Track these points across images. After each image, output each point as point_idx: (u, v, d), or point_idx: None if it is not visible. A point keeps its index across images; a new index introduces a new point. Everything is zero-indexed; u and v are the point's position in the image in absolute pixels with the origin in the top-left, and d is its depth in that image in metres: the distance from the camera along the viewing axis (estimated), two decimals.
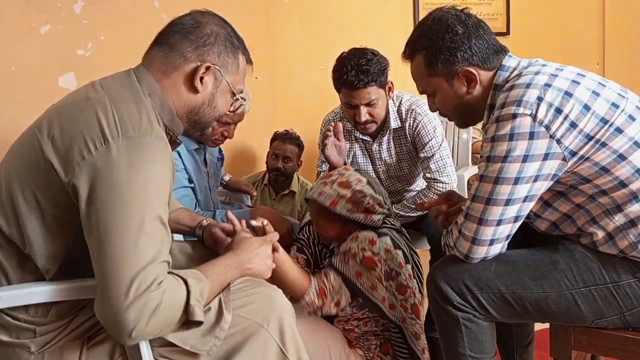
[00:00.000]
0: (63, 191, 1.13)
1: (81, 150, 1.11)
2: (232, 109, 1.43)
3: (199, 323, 1.15)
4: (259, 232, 1.56)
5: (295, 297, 1.66)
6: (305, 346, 1.38)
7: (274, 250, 1.48)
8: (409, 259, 1.75)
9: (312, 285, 1.69)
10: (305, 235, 1.99)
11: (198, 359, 1.24)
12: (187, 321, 1.14)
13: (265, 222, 1.57)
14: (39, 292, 1.17)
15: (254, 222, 1.54)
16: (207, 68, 1.27)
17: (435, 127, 2.25)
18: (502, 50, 1.44)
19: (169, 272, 1.12)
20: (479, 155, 3.46)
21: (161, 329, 1.10)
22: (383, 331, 1.79)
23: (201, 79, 1.27)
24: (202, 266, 1.25)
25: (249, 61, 1.39)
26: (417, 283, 1.76)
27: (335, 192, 1.80)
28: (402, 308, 1.70)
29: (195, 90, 1.28)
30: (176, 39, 1.27)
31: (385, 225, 1.82)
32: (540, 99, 1.26)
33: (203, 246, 1.64)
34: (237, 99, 1.38)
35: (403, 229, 1.91)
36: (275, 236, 1.49)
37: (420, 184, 2.46)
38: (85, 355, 1.21)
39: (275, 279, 1.57)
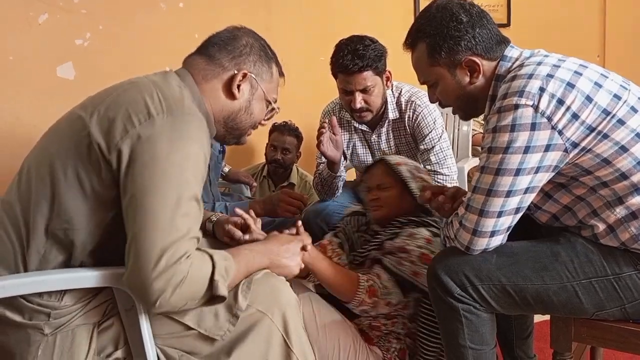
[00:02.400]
0: (105, 166, 1.17)
1: (125, 124, 1.16)
2: (266, 117, 1.48)
3: (223, 298, 1.17)
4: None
5: (346, 299, 1.63)
6: (314, 338, 1.39)
7: (303, 249, 1.49)
8: None
9: (362, 284, 1.64)
10: (345, 223, 1.96)
11: (202, 347, 1.26)
12: (212, 297, 1.17)
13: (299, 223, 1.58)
14: (57, 280, 1.20)
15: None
16: (244, 75, 1.35)
17: (435, 119, 2.24)
18: (504, 41, 1.43)
19: (197, 249, 1.15)
20: (479, 148, 3.46)
21: (186, 301, 1.13)
22: (405, 335, 1.75)
23: (238, 86, 1.35)
24: (228, 249, 1.28)
25: (281, 74, 1.47)
26: None
27: (401, 159, 1.85)
28: None
29: (232, 96, 1.36)
30: (215, 50, 1.37)
31: (437, 225, 1.80)
32: (542, 90, 1.25)
33: (208, 238, 1.66)
34: (272, 108, 1.46)
35: None
36: (307, 238, 1.51)
37: None
38: (95, 338, 1.24)
39: (323, 284, 1.59)
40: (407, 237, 1.71)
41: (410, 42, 1.49)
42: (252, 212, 1.59)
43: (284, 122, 3.01)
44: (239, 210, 1.61)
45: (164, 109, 1.18)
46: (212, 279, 1.15)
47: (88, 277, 1.20)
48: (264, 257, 1.34)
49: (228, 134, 1.43)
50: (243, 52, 1.37)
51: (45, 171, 1.21)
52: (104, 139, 1.17)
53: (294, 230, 1.56)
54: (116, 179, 1.16)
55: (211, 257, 1.16)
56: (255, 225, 1.55)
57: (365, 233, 1.91)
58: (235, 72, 1.35)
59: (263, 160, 3.14)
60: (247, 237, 1.52)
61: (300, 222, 1.59)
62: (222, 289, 1.16)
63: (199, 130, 1.20)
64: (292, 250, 1.42)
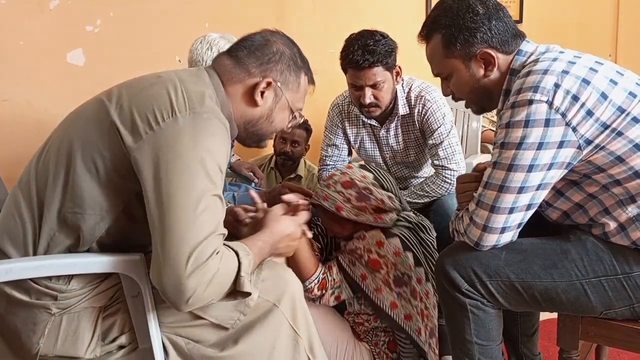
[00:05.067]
0: (124, 158, 1.16)
1: (149, 120, 1.16)
2: (289, 125, 1.46)
3: (246, 294, 1.17)
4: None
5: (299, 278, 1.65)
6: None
7: (302, 233, 1.48)
8: (420, 260, 1.70)
9: (317, 273, 1.67)
10: (321, 222, 1.95)
11: (210, 335, 1.27)
12: (234, 291, 1.17)
13: (299, 201, 1.53)
14: (65, 264, 1.20)
15: (286, 197, 1.50)
16: (269, 84, 1.33)
17: (444, 114, 2.23)
18: (520, 35, 1.41)
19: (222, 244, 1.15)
20: (487, 144, 3.43)
21: (214, 297, 1.13)
22: (392, 327, 1.76)
23: (262, 93, 1.33)
24: (244, 241, 1.28)
25: (311, 81, 1.46)
26: (431, 286, 1.71)
27: (339, 194, 1.73)
28: (418, 315, 1.66)
29: (254, 103, 1.34)
30: (244, 54, 1.34)
31: (399, 222, 1.77)
32: (557, 86, 1.23)
33: None
34: (295, 117, 1.43)
35: (422, 223, 1.84)
36: (305, 218, 1.48)
37: (427, 171, 2.45)
38: (99, 323, 1.24)
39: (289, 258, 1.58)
40: (358, 239, 1.72)
41: (426, 33, 1.47)
42: (257, 197, 1.59)
43: None
44: (252, 192, 1.61)
45: (187, 107, 1.17)
46: (237, 276, 1.15)
47: (96, 263, 1.20)
48: (270, 247, 1.34)
49: (248, 138, 1.42)
50: (272, 59, 1.34)
51: (63, 153, 1.21)
52: (127, 131, 1.16)
53: (293, 199, 1.52)
54: (132, 172, 1.16)
55: (236, 253, 1.16)
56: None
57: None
58: (260, 79, 1.33)
59: (271, 151, 3.13)
60: (250, 215, 1.53)
61: (299, 200, 1.53)
62: (247, 286, 1.16)
63: (220, 128, 1.20)
64: (293, 237, 1.41)
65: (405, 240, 1.70)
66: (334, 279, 1.69)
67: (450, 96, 1.51)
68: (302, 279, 1.64)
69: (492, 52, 1.38)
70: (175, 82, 1.22)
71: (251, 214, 1.53)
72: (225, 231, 1.16)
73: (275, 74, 1.34)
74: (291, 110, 1.41)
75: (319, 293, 1.67)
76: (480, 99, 1.46)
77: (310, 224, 1.96)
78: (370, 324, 1.77)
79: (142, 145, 1.14)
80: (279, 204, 1.45)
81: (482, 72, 1.41)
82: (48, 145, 1.27)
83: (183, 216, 1.09)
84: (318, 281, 1.66)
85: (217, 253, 1.10)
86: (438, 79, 1.52)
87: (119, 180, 1.18)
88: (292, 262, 1.62)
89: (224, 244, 1.16)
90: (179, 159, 1.12)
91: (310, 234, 1.52)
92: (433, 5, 1.53)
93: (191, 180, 1.11)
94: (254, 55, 1.33)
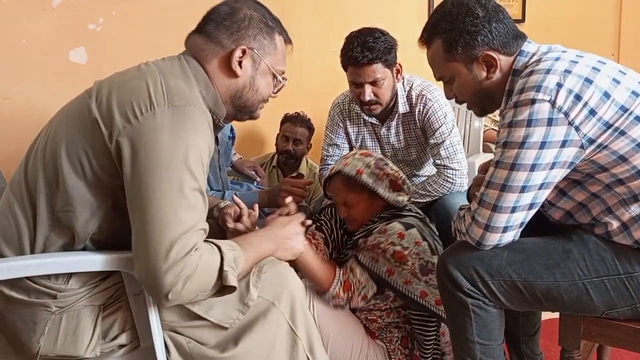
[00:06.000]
0: (106, 153, 1.16)
1: (127, 114, 1.15)
2: (275, 90, 1.44)
3: (232, 289, 1.17)
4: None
5: (320, 290, 1.66)
6: (329, 335, 1.43)
7: (302, 224, 1.51)
8: (434, 250, 1.73)
9: (337, 277, 1.67)
10: (327, 216, 1.96)
11: (210, 336, 1.26)
12: (222, 288, 1.16)
13: (289, 199, 1.59)
14: (67, 262, 1.20)
15: (278, 211, 1.56)
16: (244, 51, 1.31)
17: (445, 113, 2.23)
18: (521, 36, 1.41)
19: (204, 240, 1.15)
20: (489, 144, 3.43)
21: (197, 293, 1.13)
22: (404, 323, 1.78)
23: (240, 63, 1.31)
24: (235, 238, 1.28)
25: (287, 41, 1.41)
26: None
27: (359, 161, 1.81)
28: None
29: (234, 74, 1.32)
30: (212, 27, 1.32)
31: (411, 213, 1.80)
32: (559, 85, 1.23)
33: (218, 226, 1.66)
34: (279, 80, 1.41)
35: (427, 219, 1.89)
36: (301, 216, 1.51)
37: (429, 169, 2.45)
38: (100, 322, 1.24)
39: (302, 271, 1.58)
40: (379, 233, 1.72)
41: (426, 38, 1.47)
42: (241, 203, 1.62)
43: (296, 113, 3.00)
44: (236, 199, 1.63)
45: (166, 100, 1.16)
46: (221, 270, 1.14)
47: (98, 260, 1.20)
48: (270, 242, 1.35)
49: (237, 112, 1.40)
50: (241, 26, 1.31)
51: (50, 152, 1.21)
52: (105, 126, 1.16)
53: (285, 211, 1.57)
54: (116, 167, 1.16)
55: (219, 248, 1.16)
56: (249, 217, 1.58)
57: (347, 233, 1.93)
58: (234, 47, 1.30)
59: (273, 150, 3.13)
60: (239, 225, 1.56)
61: (289, 199, 1.60)
62: (232, 280, 1.15)
63: (201, 121, 1.19)
64: (295, 231, 1.43)
65: (421, 231, 1.74)
66: (359, 280, 1.68)
67: (454, 99, 1.51)
68: (325, 288, 1.65)
69: (494, 54, 1.38)
70: (155, 75, 1.21)
71: (232, 226, 1.57)
72: (207, 226, 1.16)
73: (248, 40, 1.32)
74: (273, 75, 1.39)
75: (345, 296, 1.66)
76: (483, 101, 1.46)
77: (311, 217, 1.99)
78: (383, 320, 1.78)
79: (122, 138, 1.13)
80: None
81: (484, 74, 1.41)
82: (36, 145, 1.27)
83: (162, 212, 1.08)
84: (341, 284, 1.66)
85: (197, 249, 1.10)
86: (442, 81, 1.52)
87: (104, 176, 1.18)
88: (308, 276, 1.63)
89: (207, 240, 1.15)
90: (158, 154, 1.11)
91: (309, 222, 1.54)
92: (435, 4, 1.52)
93: (170, 177, 1.10)
94: (223, 26, 1.31)
